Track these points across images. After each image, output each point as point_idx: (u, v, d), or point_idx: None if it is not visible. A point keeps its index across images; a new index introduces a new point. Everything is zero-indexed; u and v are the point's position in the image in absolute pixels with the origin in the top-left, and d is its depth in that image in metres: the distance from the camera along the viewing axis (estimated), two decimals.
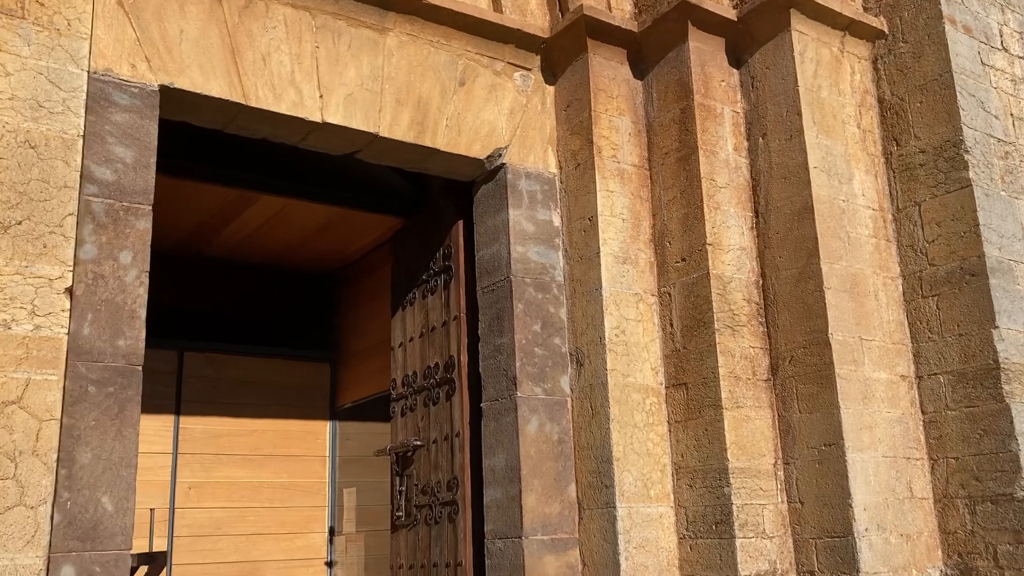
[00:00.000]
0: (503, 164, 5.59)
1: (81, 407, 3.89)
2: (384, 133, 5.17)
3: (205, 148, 6.35)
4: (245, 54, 4.77)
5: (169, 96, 4.52)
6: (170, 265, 8.09)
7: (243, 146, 5.78)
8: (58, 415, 3.54)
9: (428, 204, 6.53)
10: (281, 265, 8.64)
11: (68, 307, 3.65)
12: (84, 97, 3.88)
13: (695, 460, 5.13)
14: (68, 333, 3.73)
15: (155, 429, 7.49)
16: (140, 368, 4.09)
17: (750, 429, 5.09)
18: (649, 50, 5.80)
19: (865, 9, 6.00)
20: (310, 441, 8.33)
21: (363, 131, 5.11)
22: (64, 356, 3.60)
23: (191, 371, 7.81)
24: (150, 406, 7.35)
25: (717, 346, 5.11)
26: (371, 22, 5.23)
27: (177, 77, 4.53)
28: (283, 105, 4.85)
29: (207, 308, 8.39)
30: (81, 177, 4.11)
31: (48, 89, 3.81)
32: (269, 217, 7.46)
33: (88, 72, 4.22)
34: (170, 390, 7.65)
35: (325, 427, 8.46)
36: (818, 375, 5.00)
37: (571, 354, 5.48)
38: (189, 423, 7.72)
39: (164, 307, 8.05)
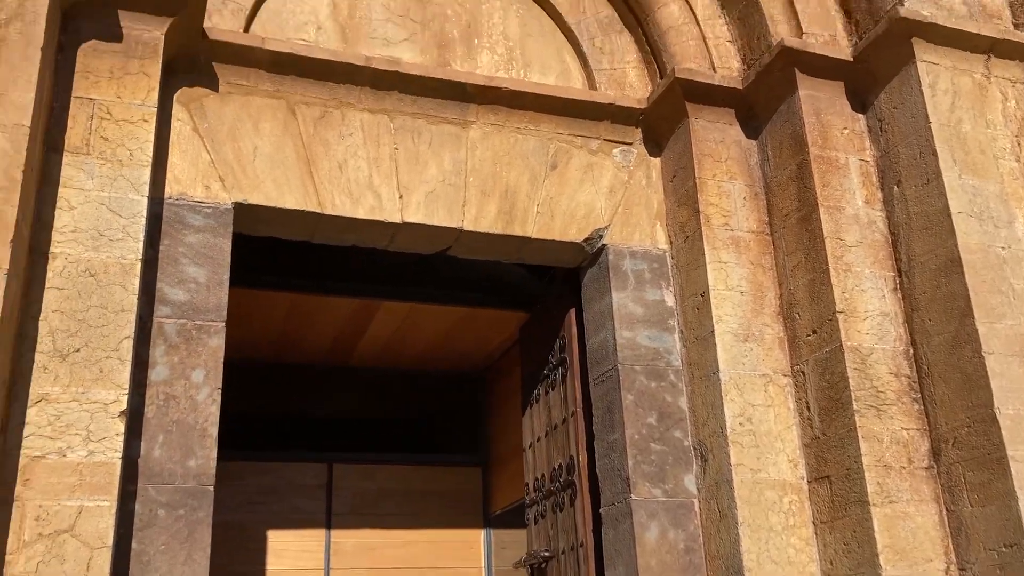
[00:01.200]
0: (604, 245, 5.21)
1: (150, 532, 3.83)
2: (469, 227, 4.96)
3: (333, 262, 6.45)
4: (320, 164, 4.75)
5: (244, 212, 4.56)
6: (314, 377, 8.25)
7: (369, 258, 5.79)
8: (110, 542, 3.47)
9: (546, 295, 6.22)
10: (424, 369, 8.58)
11: (122, 431, 3.62)
12: (144, 222, 3.95)
13: (845, 568, 4.33)
14: (126, 456, 3.69)
15: (306, 545, 7.48)
16: (212, 488, 3.99)
17: (909, 528, 4.25)
18: (758, 106, 5.29)
19: (1016, 25, 5.20)
20: (465, 551, 8.02)
21: (447, 227, 4.93)
22: (117, 481, 3.54)
23: (341, 483, 7.78)
24: (300, 521, 7.38)
25: (858, 430, 4.36)
26: (452, 117, 5.10)
27: (251, 193, 4.56)
28: (361, 210, 4.77)
29: (355, 417, 8.44)
30: (155, 300, 4.17)
31: (109, 218, 3.91)
32: (399, 323, 7.44)
33: (162, 199, 4.35)
34: (320, 504, 7.64)
35: (479, 536, 8.13)
36: (987, 458, 4.12)
37: (695, 448, 4.89)
38: (341, 537, 7.65)
39: (311, 419, 8.20)
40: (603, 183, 5.32)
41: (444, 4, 5.47)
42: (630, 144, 5.47)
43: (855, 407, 4.41)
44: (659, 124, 5.41)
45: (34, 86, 3.60)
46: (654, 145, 5.50)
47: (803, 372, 4.80)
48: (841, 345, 4.53)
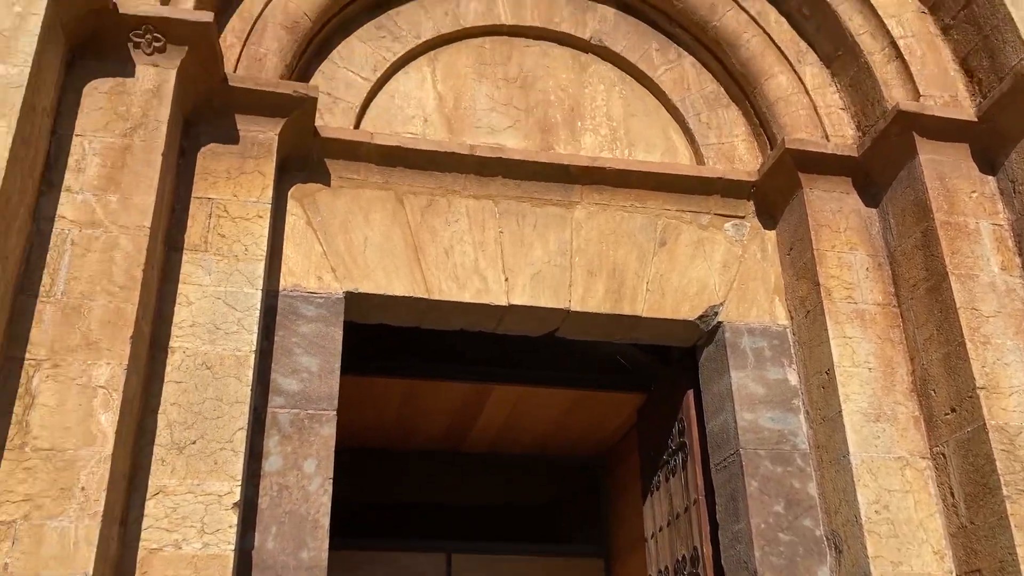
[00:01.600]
0: (720, 323, 5.02)
1: None
2: (576, 307, 4.88)
3: (445, 347, 6.48)
4: (428, 250, 4.80)
5: (355, 301, 4.63)
6: (429, 463, 8.22)
7: (480, 341, 5.78)
8: None
9: (663, 375, 6.03)
10: (542, 454, 8.42)
11: (235, 523, 3.65)
12: (257, 315, 4.06)
13: None
14: (239, 548, 3.71)
15: None
16: None
17: None
18: (876, 173, 5.06)
19: None
20: None
21: (554, 308, 4.87)
22: (230, 574, 3.55)
23: (460, 574, 7.64)
24: None
25: (1010, 518, 3.96)
26: (556, 199, 5.09)
27: (361, 282, 4.64)
28: (467, 294, 4.77)
29: (471, 503, 8.33)
30: (269, 390, 4.25)
31: (225, 311, 4.03)
32: (513, 407, 7.36)
33: (277, 291, 4.47)
34: None
35: None
36: None
37: (827, 538, 4.55)
38: None
39: (427, 506, 8.13)
40: (715, 258, 5.17)
41: (547, 90, 5.52)
42: (742, 217, 5.31)
43: (1004, 492, 4.02)
44: (772, 196, 5.24)
45: (154, 190, 3.79)
46: (768, 217, 5.33)
47: (943, 454, 4.43)
48: (984, 424, 4.17)
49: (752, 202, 5.32)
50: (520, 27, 5.61)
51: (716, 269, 5.14)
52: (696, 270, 5.11)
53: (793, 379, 4.95)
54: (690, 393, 5.41)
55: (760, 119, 5.47)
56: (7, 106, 3.34)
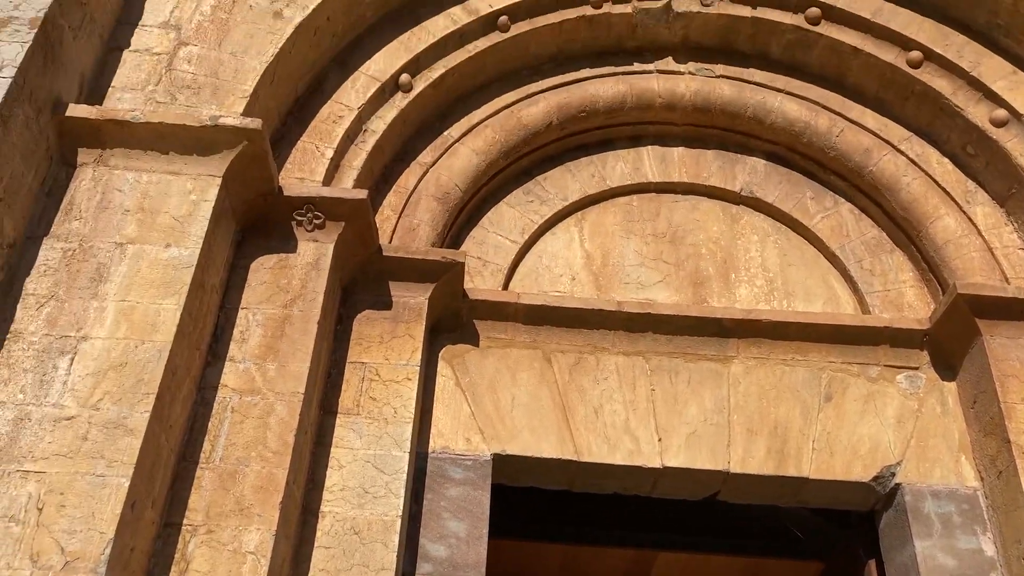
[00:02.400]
0: (898, 485, 4.59)
1: None
2: (736, 469, 4.61)
3: (603, 509, 6.26)
4: (576, 410, 4.72)
5: (502, 463, 4.57)
6: None
7: (641, 502, 5.57)
8: None
9: (841, 543, 5.53)
10: None
11: None
12: (404, 479, 4.07)
13: None
14: None
15: None
16: None
17: None
18: None
19: None
20: None
21: (712, 470, 4.61)
22: None
23: None
24: None
25: None
26: (711, 353, 4.92)
27: (509, 443, 4.59)
28: (618, 455, 4.61)
29: None
30: (417, 556, 4.20)
31: (373, 475, 4.07)
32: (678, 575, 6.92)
33: (427, 453, 4.49)
34: None
35: None
36: None
37: None
38: None
39: None
40: (888, 413, 4.78)
41: (698, 244, 5.46)
42: (916, 368, 4.93)
43: None
44: (948, 345, 4.85)
45: (309, 357, 3.95)
46: (945, 368, 4.91)
47: None
48: None
49: (926, 352, 4.93)
50: (667, 183, 5.64)
51: (890, 425, 4.75)
52: (867, 426, 4.74)
53: (989, 549, 4.40)
54: (871, 564, 4.92)
55: (928, 263, 5.15)
56: (177, 285, 3.63)
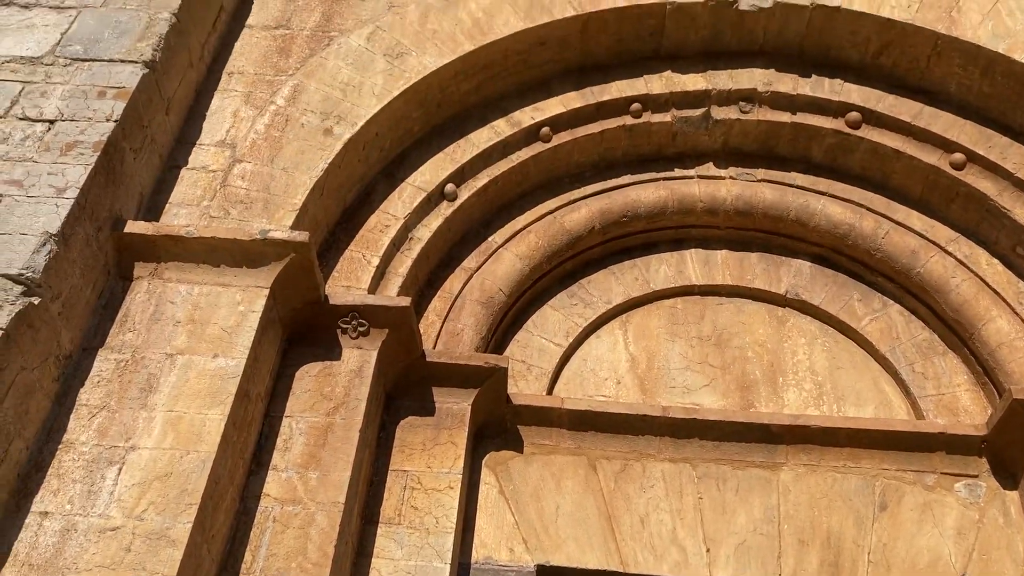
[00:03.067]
0: None
1: None
2: None
3: None
4: (622, 519, 4.63)
5: (546, 574, 4.48)
6: None
7: None
8: None
9: None
10: None
11: None
12: None
13: None
14: None
15: None
16: None
17: None
18: None
19: None
20: None
21: None
22: None
23: None
24: None
25: None
26: (759, 460, 4.82)
27: (553, 554, 4.51)
28: (665, 566, 4.50)
29: None
30: None
31: None
32: None
33: (469, 563, 4.44)
34: None
35: None
36: None
37: None
38: None
39: None
40: (947, 524, 4.60)
41: (744, 347, 5.42)
42: (975, 476, 4.75)
43: None
44: (1007, 452, 4.68)
45: (351, 466, 3.97)
46: (1006, 476, 4.73)
47: None
48: None
49: (984, 459, 4.76)
50: (712, 286, 5.64)
51: (949, 537, 4.56)
52: (925, 538, 4.56)
53: None
54: None
55: (983, 366, 5.02)
56: (223, 395, 3.71)
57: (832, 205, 5.55)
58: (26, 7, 4.59)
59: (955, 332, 5.18)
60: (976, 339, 5.03)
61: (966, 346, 5.12)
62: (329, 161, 4.68)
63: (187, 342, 3.91)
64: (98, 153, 3.93)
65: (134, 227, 4.11)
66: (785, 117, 5.55)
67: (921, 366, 5.21)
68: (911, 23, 5.18)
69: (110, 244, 4.05)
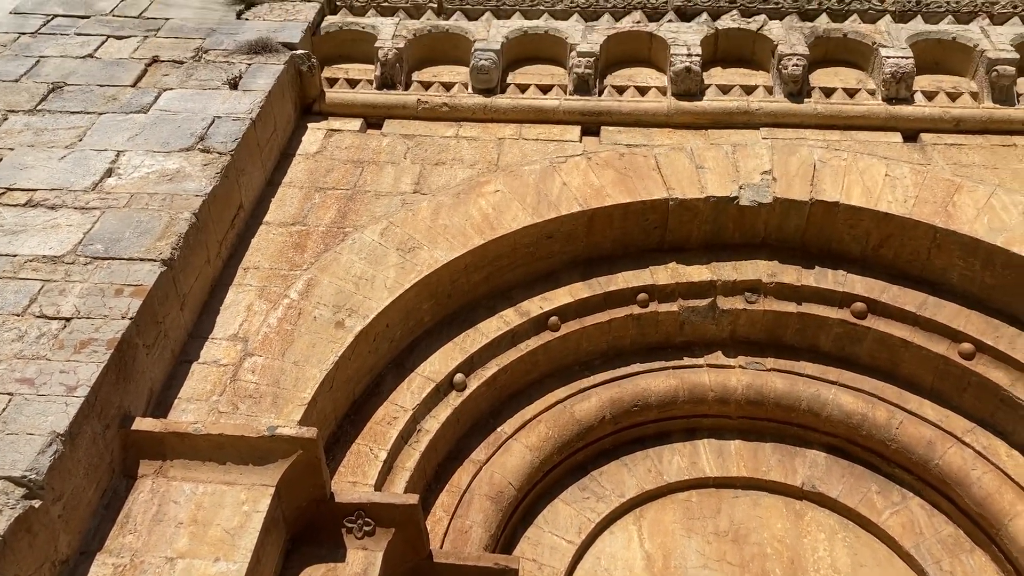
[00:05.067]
0: None
1: None
2: None
3: None
4: None
5: None
6: None
7: None
8: None
9: None
10: None
11: None
12: None
13: None
14: None
15: None
16: None
17: None
18: None
19: None
20: None
21: None
22: None
23: None
24: None
25: None
26: None
27: None
28: None
29: None
30: None
31: None
32: None
33: None
34: None
35: None
36: None
37: None
38: None
39: None
40: None
41: (762, 543, 5.23)
42: None
43: None
44: None
45: None
46: None
47: None
48: None
49: None
50: (726, 478, 5.51)
51: None
52: None
53: None
54: None
55: (1012, 564, 4.82)
56: None
57: (843, 395, 5.51)
58: (52, 208, 4.76)
59: (980, 527, 5.01)
60: (1004, 536, 4.86)
61: (994, 543, 4.94)
62: (340, 354, 4.70)
63: (188, 544, 3.77)
64: (111, 351, 3.94)
65: (141, 424, 4.07)
66: (791, 307, 5.61)
67: (949, 564, 5.00)
68: (909, 217, 5.33)
69: (116, 442, 4.00)
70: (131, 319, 4.13)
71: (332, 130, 6.15)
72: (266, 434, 4.05)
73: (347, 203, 5.55)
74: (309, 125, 6.19)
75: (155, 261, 4.44)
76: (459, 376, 5.28)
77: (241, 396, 4.46)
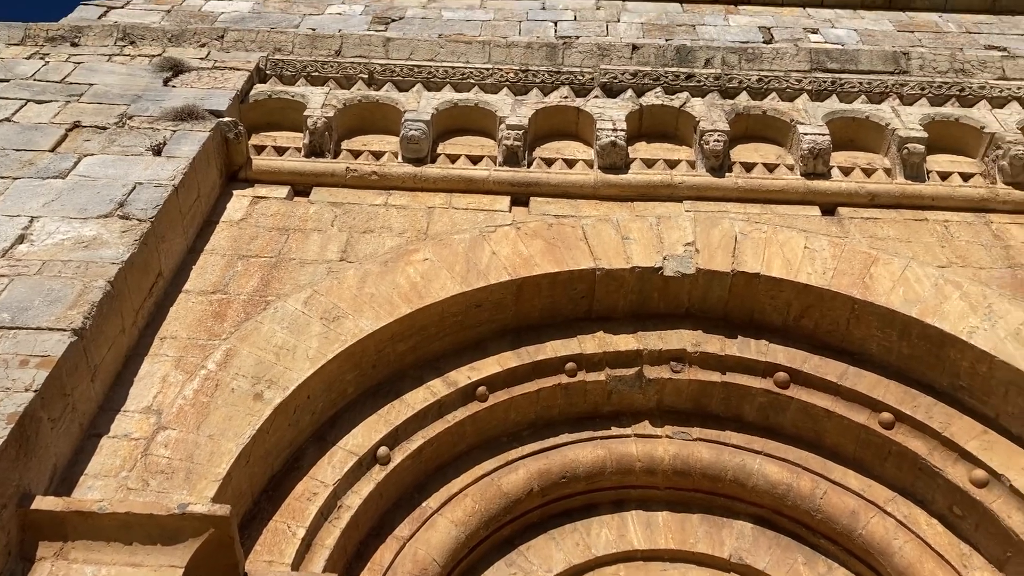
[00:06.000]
0: None
1: None
2: None
3: None
4: None
5: None
6: None
7: None
8: None
9: None
10: None
11: None
12: None
13: None
14: None
15: None
16: None
17: None
18: None
19: None
20: None
21: None
22: None
23: None
24: None
25: None
26: None
27: None
28: None
29: None
30: None
31: None
32: None
33: None
34: None
35: None
36: None
37: None
38: None
39: None
40: None
41: None
42: None
43: None
44: None
45: None
46: None
47: None
48: None
49: None
50: (654, 551, 5.46)
51: None
52: None
53: None
54: None
55: None
56: None
57: (769, 464, 5.54)
58: None
59: None
60: None
61: None
62: (257, 427, 4.56)
63: None
64: (11, 425, 3.75)
65: (42, 503, 3.86)
66: (716, 377, 5.65)
67: None
68: (828, 288, 5.45)
69: (14, 523, 3.78)
70: (36, 391, 3.95)
71: (258, 197, 6.09)
72: (176, 512, 3.88)
73: (271, 271, 5.46)
74: (235, 192, 6.11)
75: (65, 331, 4.28)
76: (383, 449, 5.16)
77: (152, 472, 4.28)
